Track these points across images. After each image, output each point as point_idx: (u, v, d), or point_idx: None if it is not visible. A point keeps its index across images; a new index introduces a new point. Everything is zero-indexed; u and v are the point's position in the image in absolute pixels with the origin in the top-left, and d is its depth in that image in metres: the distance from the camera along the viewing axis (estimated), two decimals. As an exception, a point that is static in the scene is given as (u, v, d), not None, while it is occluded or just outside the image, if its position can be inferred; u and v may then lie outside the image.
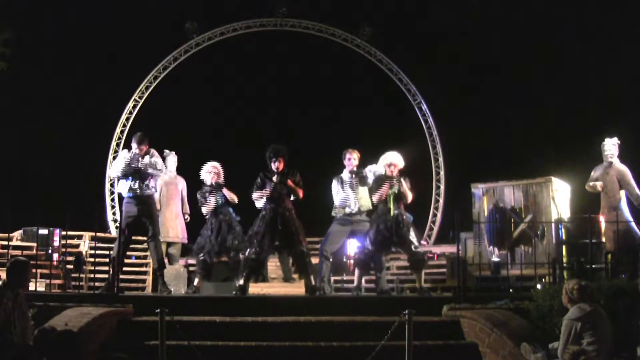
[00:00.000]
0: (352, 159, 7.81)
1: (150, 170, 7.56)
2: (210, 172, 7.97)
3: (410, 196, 7.56)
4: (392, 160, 7.58)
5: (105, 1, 14.84)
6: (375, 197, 7.54)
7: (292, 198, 7.55)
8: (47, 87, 13.93)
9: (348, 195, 7.69)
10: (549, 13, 13.84)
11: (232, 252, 7.74)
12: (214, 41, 16.53)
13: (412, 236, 7.40)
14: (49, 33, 13.90)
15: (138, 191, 7.55)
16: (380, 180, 7.55)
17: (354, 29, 16.44)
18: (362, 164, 7.92)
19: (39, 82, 13.70)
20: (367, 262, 7.55)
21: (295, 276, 9.91)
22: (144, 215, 7.59)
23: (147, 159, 7.58)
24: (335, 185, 7.85)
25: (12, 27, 11.76)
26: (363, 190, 7.74)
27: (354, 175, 7.77)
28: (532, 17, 14.09)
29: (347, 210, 7.70)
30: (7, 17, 11.79)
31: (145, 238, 9.19)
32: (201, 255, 7.79)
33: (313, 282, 7.36)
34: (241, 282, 7.25)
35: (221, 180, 8.02)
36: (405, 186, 7.47)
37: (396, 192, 7.42)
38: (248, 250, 7.30)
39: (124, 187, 7.66)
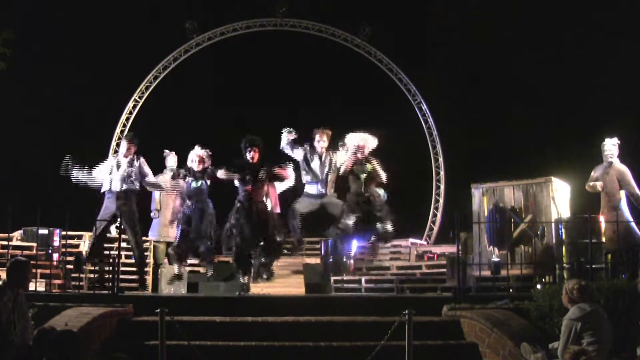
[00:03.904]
0: (321, 141, 7.69)
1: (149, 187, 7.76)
2: (194, 160, 7.99)
3: (384, 176, 7.50)
4: (360, 142, 7.52)
5: (106, 1, 14.85)
6: (341, 170, 7.49)
7: (284, 186, 7.54)
8: (47, 87, 13.93)
9: (313, 176, 7.61)
10: (549, 13, 13.84)
11: (204, 240, 7.71)
12: (214, 41, 16.53)
13: (388, 220, 7.34)
14: (49, 33, 13.90)
15: (118, 189, 7.57)
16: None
17: (354, 29, 16.45)
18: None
19: (39, 82, 13.70)
20: (350, 237, 7.51)
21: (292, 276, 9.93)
22: (122, 215, 7.49)
23: (132, 165, 7.63)
24: (300, 156, 7.71)
25: (12, 27, 11.77)
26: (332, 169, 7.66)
27: (324, 156, 7.68)
28: (532, 17, 14.10)
29: (315, 191, 7.60)
30: (8, 17, 11.79)
31: (147, 238, 9.22)
32: (176, 244, 7.81)
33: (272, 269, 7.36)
34: (244, 279, 7.28)
35: (207, 166, 8.01)
36: (377, 166, 7.42)
37: (368, 172, 7.38)
38: (233, 243, 7.27)
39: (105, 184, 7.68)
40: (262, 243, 7.38)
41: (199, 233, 7.70)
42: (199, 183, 7.87)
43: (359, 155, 7.48)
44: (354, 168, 7.44)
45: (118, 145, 15.59)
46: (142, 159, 7.82)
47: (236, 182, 7.59)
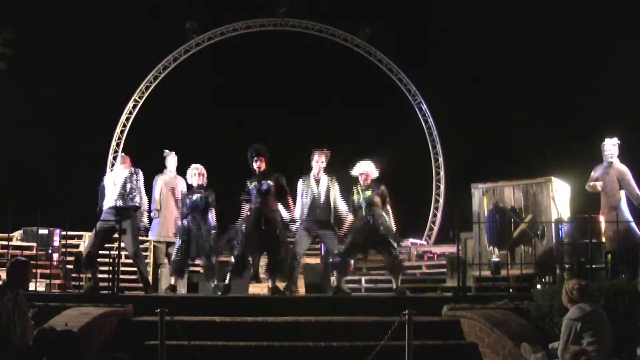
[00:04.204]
0: (319, 161, 7.58)
1: (135, 195, 7.58)
2: (194, 174, 7.98)
3: (386, 206, 7.50)
4: (363, 169, 7.52)
5: (106, 1, 14.86)
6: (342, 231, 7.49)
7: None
8: (47, 87, 13.94)
9: (312, 201, 7.50)
10: (549, 13, 13.85)
11: (204, 255, 7.71)
12: (214, 41, 16.55)
13: (391, 239, 7.34)
14: (49, 33, 13.91)
15: (119, 203, 7.49)
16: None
17: (354, 29, 16.46)
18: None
19: (39, 82, 13.71)
20: (345, 263, 7.47)
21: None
22: (122, 231, 7.30)
23: (131, 179, 7.58)
24: (300, 187, 7.63)
25: (12, 27, 11.77)
26: (331, 197, 7.52)
27: (322, 177, 7.57)
28: (532, 17, 14.11)
29: (310, 217, 7.49)
30: (8, 17, 11.80)
31: (147, 238, 9.20)
32: (175, 256, 7.79)
33: (279, 284, 7.32)
34: (226, 281, 7.29)
35: (205, 181, 8.01)
36: (377, 197, 7.41)
37: (369, 197, 7.40)
38: (234, 249, 7.25)
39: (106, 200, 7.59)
40: (267, 262, 7.34)
41: (198, 244, 7.69)
42: (194, 198, 7.85)
43: (362, 182, 7.51)
44: (356, 197, 7.47)
45: (118, 145, 15.61)
46: (140, 173, 7.70)
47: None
